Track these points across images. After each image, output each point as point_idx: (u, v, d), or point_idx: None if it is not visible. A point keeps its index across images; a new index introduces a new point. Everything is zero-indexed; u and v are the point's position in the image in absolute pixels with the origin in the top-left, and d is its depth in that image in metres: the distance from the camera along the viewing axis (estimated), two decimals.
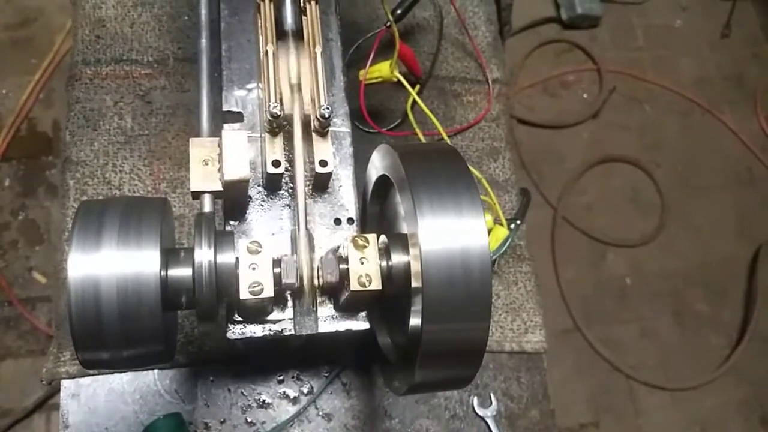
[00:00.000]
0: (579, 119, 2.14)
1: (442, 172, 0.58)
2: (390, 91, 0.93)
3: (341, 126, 0.71)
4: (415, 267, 0.54)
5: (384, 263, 0.59)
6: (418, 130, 0.88)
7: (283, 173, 0.65)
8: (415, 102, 0.89)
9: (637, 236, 2.04)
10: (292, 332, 0.63)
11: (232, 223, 0.66)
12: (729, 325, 1.96)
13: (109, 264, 0.51)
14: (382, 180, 0.66)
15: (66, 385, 0.77)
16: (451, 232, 0.53)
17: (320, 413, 0.79)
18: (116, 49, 0.88)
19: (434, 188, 0.56)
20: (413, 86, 0.89)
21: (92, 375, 0.76)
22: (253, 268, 0.57)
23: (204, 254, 0.54)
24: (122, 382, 0.77)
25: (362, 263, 0.59)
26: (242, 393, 0.78)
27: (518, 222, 0.89)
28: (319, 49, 0.64)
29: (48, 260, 1.69)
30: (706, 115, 2.22)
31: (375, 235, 0.60)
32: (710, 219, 2.08)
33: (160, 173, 0.85)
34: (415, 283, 0.55)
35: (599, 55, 2.20)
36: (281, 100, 0.63)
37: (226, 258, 0.56)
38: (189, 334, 0.78)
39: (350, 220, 0.68)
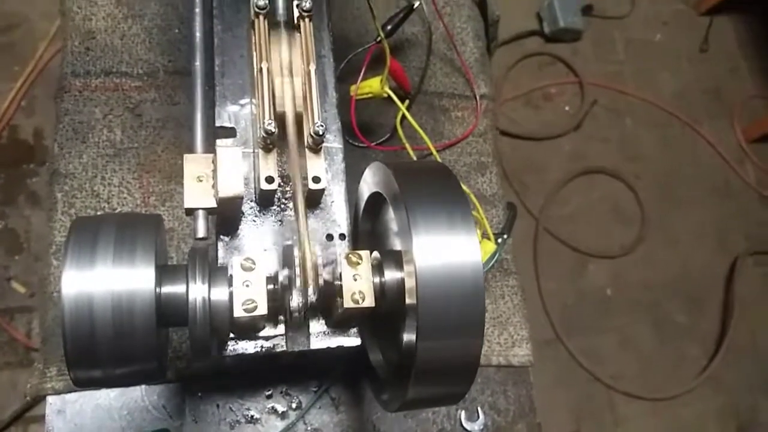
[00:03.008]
0: (561, 131, 2.17)
1: (435, 190, 0.59)
2: (379, 105, 0.93)
3: (333, 142, 0.72)
4: (410, 283, 0.55)
5: (377, 280, 0.60)
6: (407, 145, 0.89)
7: (276, 189, 0.65)
8: (404, 117, 0.90)
9: (617, 247, 2.07)
10: (285, 349, 0.63)
11: (224, 237, 0.66)
12: (707, 335, 1.99)
13: (104, 281, 0.51)
14: (375, 197, 0.66)
15: (51, 401, 0.76)
16: (445, 249, 0.54)
17: (309, 428, 0.79)
18: (106, 61, 0.88)
19: (428, 205, 0.56)
20: (402, 101, 0.90)
21: (78, 391, 0.76)
22: (247, 285, 0.57)
23: (198, 290, 0.54)
24: (109, 398, 0.76)
25: (355, 280, 0.59)
26: (230, 408, 0.78)
27: (505, 236, 0.90)
28: (313, 67, 0.64)
29: (28, 270, 1.67)
30: (685, 128, 2.26)
31: (368, 251, 0.61)
32: (689, 230, 2.12)
33: (150, 186, 0.85)
34: (409, 300, 0.55)
35: (581, 69, 2.23)
36: (275, 116, 0.63)
37: (220, 294, 0.56)
38: (177, 349, 0.78)
39: (342, 236, 0.69)
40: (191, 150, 0.63)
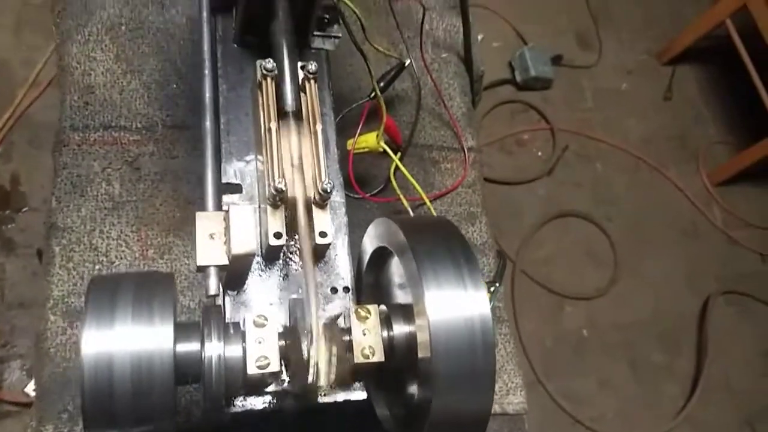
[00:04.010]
0: (534, 176, 2.23)
1: (441, 243, 0.61)
2: (373, 158, 0.96)
3: (336, 196, 0.74)
4: (422, 337, 0.57)
5: (385, 334, 0.61)
6: (401, 196, 0.92)
7: (283, 245, 0.66)
8: (397, 168, 0.93)
9: (592, 289, 2.11)
10: (293, 404, 0.64)
11: (231, 293, 0.67)
12: (683, 374, 2.03)
13: (124, 340, 0.52)
14: (378, 251, 0.68)
15: None
16: (456, 303, 0.56)
17: None
18: (105, 115, 0.89)
19: (437, 259, 0.59)
20: (395, 153, 0.93)
21: None
22: (260, 342, 0.58)
23: (213, 348, 0.55)
24: None
25: (364, 334, 0.60)
26: None
27: (497, 285, 0.93)
28: (319, 127, 0.67)
29: (0, 318, 1.63)
30: (653, 172, 2.34)
31: (376, 306, 0.62)
32: (661, 271, 2.17)
33: (148, 239, 0.85)
34: (422, 354, 0.57)
35: (552, 115, 2.31)
36: (284, 174, 0.65)
37: (234, 352, 0.57)
38: (177, 404, 0.77)
39: (346, 289, 0.70)
40: (193, 204, 0.65)
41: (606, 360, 2.01)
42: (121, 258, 0.84)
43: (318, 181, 0.66)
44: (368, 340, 0.60)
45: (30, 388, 1.52)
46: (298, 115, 0.68)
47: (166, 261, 0.85)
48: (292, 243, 0.70)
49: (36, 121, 1.91)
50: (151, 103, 0.91)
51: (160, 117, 0.91)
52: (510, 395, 0.89)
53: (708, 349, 2.01)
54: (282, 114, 0.68)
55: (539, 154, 2.29)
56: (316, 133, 0.67)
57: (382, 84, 0.93)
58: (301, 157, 0.67)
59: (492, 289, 0.91)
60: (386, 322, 0.62)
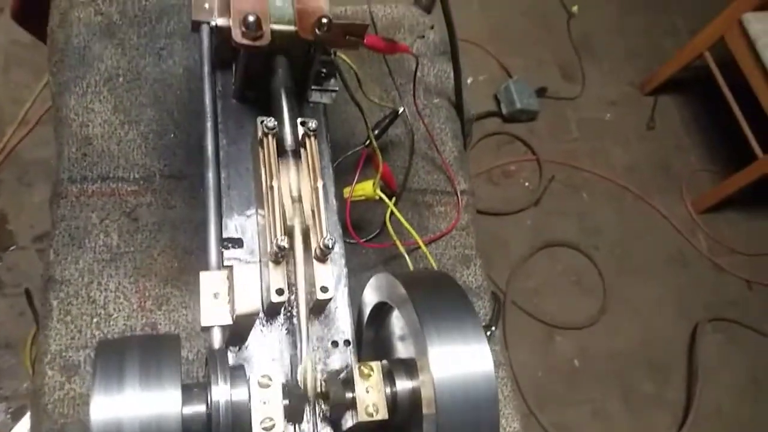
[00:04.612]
0: (522, 206, 2.26)
1: (443, 298, 0.62)
2: (367, 204, 0.97)
3: (335, 248, 0.75)
4: (426, 393, 0.58)
5: (388, 390, 0.62)
6: (397, 241, 0.93)
7: (285, 301, 0.67)
8: (392, 213, 0.94)
9: (582, 318, 2.13)
10: None
11: (232, 349, 0.68)
12: (674, 403, 2.05)
13: (133, 405, 0.52)
14: (378, 306, 0.69)
15: None
16: (460, 359, 0.57)
17: None
18: (103, 166, 0.90)
19: (439, 314, 0.60)
20: (389, 198, 0.94)
21: None
22: (265, 403, 0.58)
23: (220, 392, 0.55)
24: None
25: (367, 392, 0.61)
26: None
27: (493, 328, 0.94)
28: (320, 183, 0.68)
29: None
30: (638, 201, 2.38)
31: (379, 363, 0.63)
32: (649, 299, 2.20)
33: (146, 290, 0.86)
34: (426, 410, 0.57)
35: (538, 146, 2.34)
36: (285, 230, 0.66)
37: (240, 394, 0.57)
38: None
39: (347, 342, 0.71)
40: (191, 254, 0.65)
41: (598, 390, 2.02)
42: (119, 310, 0.84)
43: (319, 237, 0.67)
44: (371, 397, 0.61)
45: None
46: (297, 160, 0.69)
47: (164, 312, 0.85)
48: (293, 297, 0.71)
49: (25, 158, 1.91)
50: (149, 154, 0.92)
51: (158, 167, 0.92)
52: None
53: (698, 376, 2.03)
54: (281, 158, 0.69)
55: (526, 184, 2.32)
56: (317, 189, 0.68)
57: (376, 132, 0.95)
58: (302, 209, 0.68)
59: (489, 333, 0.91)
60: (388, 377, 0.62)
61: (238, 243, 0.72)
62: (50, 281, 0.84)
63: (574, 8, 2.56)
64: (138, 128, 0.93)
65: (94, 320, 0.83)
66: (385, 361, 0.64)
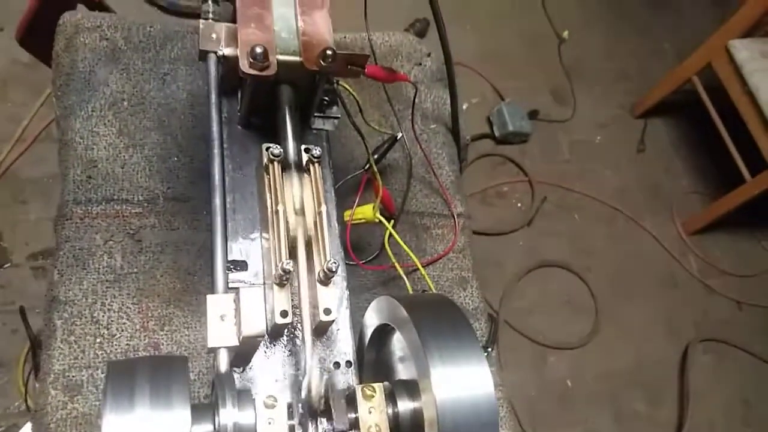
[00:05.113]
0: (514, 227, 2.29)
1: (443, 320, 0.64)
2: (367, 225, 0.99)
3: (338, 270, 0.77)
4: (428, 414, 0.59)
5: (390, 410, 0.63)
6: (396, 263, 0.95)
7: (289, 323, 0.69)
8: (390, 235, 0.96)
9: (574, 338, 2.14)
10: None
11: (236, 370, 0.69)
12: (666, 423, 2.06)
13: (143, 424, 0.53)
14: (379, 328, 0.71)
15: None
16: (461, 380, 0.59)
17: None
18: (107, 189, 0.91)
19: (440, 336, 0.62)
20: (388, 221, 0.97)
21: None
22: (270, 423, 0.60)
23: (228, 413, 0.57)
24: None
25: (370, 413, 0.63)
26: None
27: (490, 350, 0.96)
28: (324, 208, 0.70)
29: None
30: (629, 222, 2.41)
31: (381, 384, 0.65)
32: (640, 320, 2.22)
33: (149, 311, 0.87)
34: (428, 431, 0.59)
35: (530, 168, 2.38)
36: (291, 254, 0.68)
37: (247, 417, 0.59)
38: None
39: (348, 363, 0.73)
40: (193, 275, 0.66)
41: (590, 410, 2.04)
42: (122, 330, 0.85)
43: (323, 260, 0.68)
44: (374, 418, 0.62)
45: None
46: (301, 186, 0.71)
47: (167, 332, 0.86)
48: (296, 319, 0.72)
49: (21, 176, 1.92)
50: (153, 176, 0.94)
51: (162, 190, 0.93)
52: None
53: (690, 397, 2.05)
54: (286, 183, 0.71)
55: (519, 205, 2.35)
56: (320, 213, 0.70)
57: (376, 156, 0.98)
58: (306, 233, 0.70)
59: (485, 354, 0.93)
60: (390, 398, 0.64)
61: (242, 266, 0.73)
62: (54, 301, 0.85)
63: (565, 33, 2.62)
64: (142, 151, 0.95)
65: (98, 340, 0.84)
66: (387, 383, 0.65)
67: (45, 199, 1.87)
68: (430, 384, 0.58)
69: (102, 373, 0.81)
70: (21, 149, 1.95)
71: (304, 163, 0.73)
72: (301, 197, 0.72)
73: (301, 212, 0.71)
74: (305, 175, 0.73)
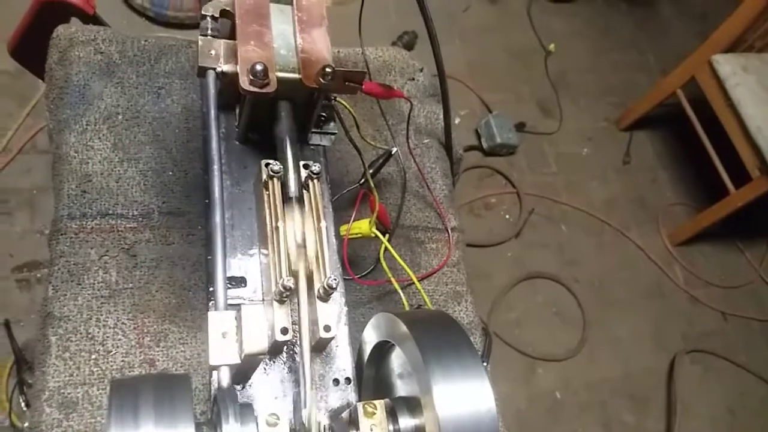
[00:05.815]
0: (503, 238, 2.30)
1: (443, 337, 0.65)
2: (361, 240, 0.99)
3: (336, 287, 0.77)
4: (430, 431, 0.59)
5: (391, 427, 0.63)
6: (392, 278, 0.95)
7: (289, 339, 0.69)
8: (386, 249, 0.97)
9: (563, 350, 2.16)
10: None
11: (236, 387, 0.69)
12: None
13: None
14: (378, 345, 0.71)
15: None
16: (463, 397, 0.59)
17: None
18: (102, 203, 0.91)
19: (441, 352, 0.62)
20: (383, 235, 0.97)
21: None
22: None
23: (231, 430, 0.57)
24: None
25: (371, 430, 0.63)
26: None
27: (485, 364, 0.96)
28: (323, 224, 0.70)
29: None
30: (616, 233, 2.44)
31: (382, 401, 0.65)
32: (628, 331, 2.24)
33: (144, 327, 0.86)
34: None
35: (517, 180, 2.40)
36: (291, 270, 0.68)
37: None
38: None
39: (348, 380, 0.73)
40: (188, 290, 0.66)
41: (580, 421, 2.05)
42: (118, 347, 0.84)
43: (323, 277, 0.69)
44: None
45: None
46: (300, 202, 0.71)
47: (162, 348, 0.86)
48: (295, 336, 0.72)
49: (5, 187, 1.90)
50: (147, 191, 0.93)
51: (156, 204, 0.93)
52: None
53: (677, 407, 2.07)
54: (286, 200, 0.71)
55: (507, 217, 2.37)
56: (320, 229, 0.70)
57: (371, 171, 0.98)
58: (306, 249, 0.70)
59: None
60: (392, 415, 0.64)
61: (241, 282, 0.73)
62: (49, 317, 0.84)
63: (551, 46, 2.65)
64: (137, 166, 0.95)
65: (93, 357, 0.83)
66: (387, 399, 0.66)
67: (31, 211, 1.85)
68: (432, 401, 0.58)
69: (97, 389, 0.81)
70: (6, 160, 1.93)
71: (303, 179, 0.73)
72: (300, 213, 0.72)
73: (300, 228, 0.71)
74: (304, 191, 0.73)
